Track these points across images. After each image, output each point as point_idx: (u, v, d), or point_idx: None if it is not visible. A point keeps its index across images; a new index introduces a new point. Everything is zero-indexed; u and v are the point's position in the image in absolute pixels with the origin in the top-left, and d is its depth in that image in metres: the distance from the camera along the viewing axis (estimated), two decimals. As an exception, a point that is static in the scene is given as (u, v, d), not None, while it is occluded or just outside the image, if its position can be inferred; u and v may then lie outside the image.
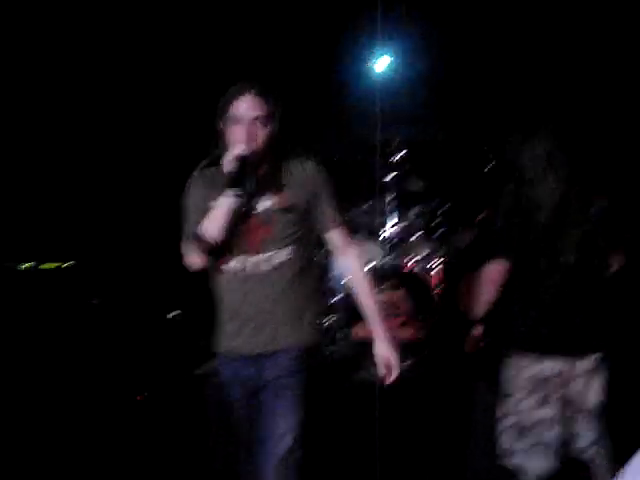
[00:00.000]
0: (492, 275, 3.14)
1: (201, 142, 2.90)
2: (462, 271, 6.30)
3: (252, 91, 2.67)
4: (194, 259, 2.74)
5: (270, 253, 2.77)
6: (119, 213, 6.77)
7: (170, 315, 6.55)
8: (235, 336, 2.85)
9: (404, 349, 5.34)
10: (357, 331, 5.56)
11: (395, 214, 6.03)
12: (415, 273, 5.69)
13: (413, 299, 5.51)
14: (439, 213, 6.10)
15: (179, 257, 2.76)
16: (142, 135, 6.86)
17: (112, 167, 6.74)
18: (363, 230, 6.00)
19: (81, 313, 5.80)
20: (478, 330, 3.33)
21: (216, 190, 2.67)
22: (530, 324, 3.04)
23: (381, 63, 7.01)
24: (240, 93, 2.68)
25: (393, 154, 6.09)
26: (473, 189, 6.71)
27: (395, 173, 6.24)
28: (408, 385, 5.11)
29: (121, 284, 6.30)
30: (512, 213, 3.07)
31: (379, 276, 5.63)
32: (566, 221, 3.01)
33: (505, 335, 3.18)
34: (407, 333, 5.48)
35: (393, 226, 5.93)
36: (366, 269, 2.69)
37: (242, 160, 2.63)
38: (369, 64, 7.05)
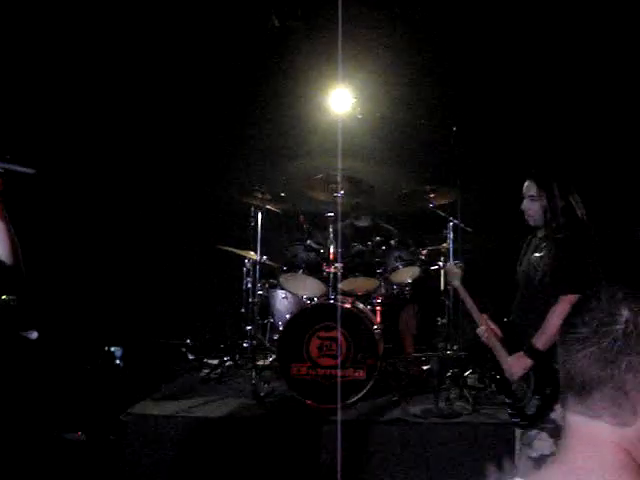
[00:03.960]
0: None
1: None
2: (402, 309, 6.30)
3: None
4: None
5: None
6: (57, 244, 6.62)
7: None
8: None
9: (345, 388, 5.32)
10: (296, 369, 5.48)
11: (339, 250, 5.96)
12: (356, 311, 5.62)
13: (354, 337, 5.44)
14: (382, 250, 6.06)
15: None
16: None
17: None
18: (305, 266, 5.92)
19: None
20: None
21: None
22: None
23: (340, 100, 7.01)
24: None
25: (339, 189, 6.03)
26: (417, 227, 6.74)
27: (340, 209, 6.18)
28: (350, 424, 5.07)
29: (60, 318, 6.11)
30: None
31: (320, 314, 5.55)
32: None
33: None
34: (348, 372, 5.42)
35: (336, 262, 5.86)
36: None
37: None
38: (328, 100, 7.06)
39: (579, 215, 3.69)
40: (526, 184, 3.81)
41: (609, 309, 1.24)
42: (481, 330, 3.85)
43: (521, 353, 3.62)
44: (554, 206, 3.69)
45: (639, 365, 1.20)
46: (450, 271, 4.44)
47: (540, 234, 3.83)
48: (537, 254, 3.76)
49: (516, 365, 3.63)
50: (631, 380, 1.20)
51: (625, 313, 1.22)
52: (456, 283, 4.24)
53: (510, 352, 3.70)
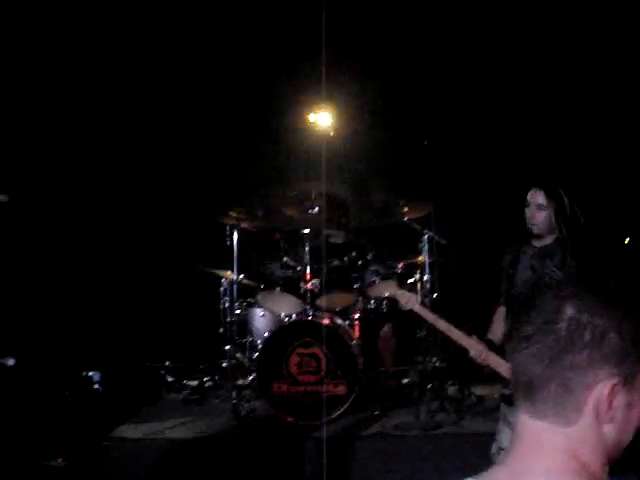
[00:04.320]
0: None
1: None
2: (380, 323, 6.31)
3: None
4: None
5: None
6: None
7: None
8: None
9: (325, 404, 5.31)
10: (277, 387, 5.47)
11: (315, 266, 5.97)
12: (334, 326, 5.63)
13: (332, 353, 5.44)
14: (359, 265, 6.07)
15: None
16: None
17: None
18: (282, 283, 5.93)
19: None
20: None
21: None
22: None
23: (320, 119, 7.02)
24: None
25: (313, 206, 6.05)
26: (392, 241, 6.77)
27: (315, 225, 6.20)
28: (331, 440, 5.06)
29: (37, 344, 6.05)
30: None
31: (298, 330, 5.55)
32: None
33: None
34: (328, 387, 5.41)
35: (312, 279, 5.87)
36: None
37: None
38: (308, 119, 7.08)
39: (583, 222, 3.70)
40: (532, 192, 3.77)
41: (554, 307, 1.22)
42: (477, 353, 3.58)
43: None
44: (564, 214, 3.69)
45: (583, 363, 1.19)
46: (401, 298, 3.89)
47: (541, 243, 3.80)
48: (549, 261, 3.73)
49: None
50: (575, 378, 1.19)
51: (569, 311, 1.21)
52: (416, 307, 3.80)
53: None
